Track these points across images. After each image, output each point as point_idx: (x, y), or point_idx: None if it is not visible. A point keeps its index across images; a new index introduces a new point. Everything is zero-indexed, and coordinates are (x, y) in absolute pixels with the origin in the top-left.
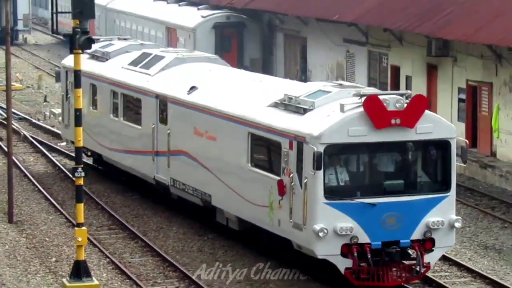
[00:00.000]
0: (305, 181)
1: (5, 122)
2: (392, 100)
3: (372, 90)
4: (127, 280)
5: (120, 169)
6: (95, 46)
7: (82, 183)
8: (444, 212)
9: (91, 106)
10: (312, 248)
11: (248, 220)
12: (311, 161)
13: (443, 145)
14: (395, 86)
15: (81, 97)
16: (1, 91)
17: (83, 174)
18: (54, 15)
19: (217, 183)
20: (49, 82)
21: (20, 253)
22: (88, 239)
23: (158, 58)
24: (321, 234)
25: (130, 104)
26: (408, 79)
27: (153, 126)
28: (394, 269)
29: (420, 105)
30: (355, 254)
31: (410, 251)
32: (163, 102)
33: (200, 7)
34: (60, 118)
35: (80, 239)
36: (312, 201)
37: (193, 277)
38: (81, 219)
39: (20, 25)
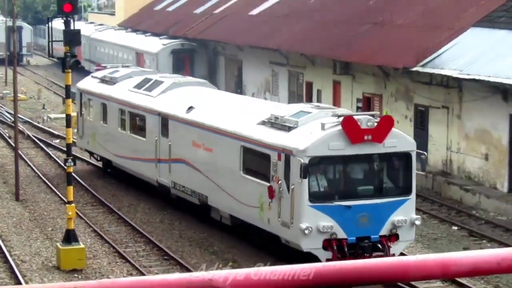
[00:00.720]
0: (292, 187)
1: (12, 125)
2: (365, 120)
3: (345, 111)
4: (106, 244)
5: (127, 172)
6: (104, 72)
7: (71, 171)
8: (406, 212)
9: (102, 121)
10: (299, 243)
11: (240, 218)
12: (298, 171)
13: (405, 157)
14: (309, 97)
15: (71, 105)
16: (10, 101)
17: (72, 164)
18: (50, 43)
19: (213, 187)
20: (46, 94)
21: (25, 224)
22: (76, 213)
23: (158, 83)
24: (306, 231)
25: (135, 120)
26: (319, 92)
27: (156, 138)
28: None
29: (388, 124)
30: (334, 248)
31: (379, 245)
32: (164, 119)
33: (161, 37)
34: (75, 130)
35: (70, 213)
36: (298, 204)
37: (155, 241)
38: (71, 198)
39: (24, 51)
